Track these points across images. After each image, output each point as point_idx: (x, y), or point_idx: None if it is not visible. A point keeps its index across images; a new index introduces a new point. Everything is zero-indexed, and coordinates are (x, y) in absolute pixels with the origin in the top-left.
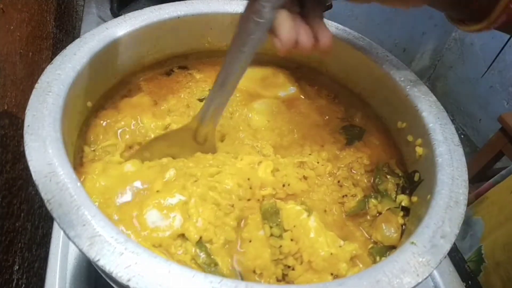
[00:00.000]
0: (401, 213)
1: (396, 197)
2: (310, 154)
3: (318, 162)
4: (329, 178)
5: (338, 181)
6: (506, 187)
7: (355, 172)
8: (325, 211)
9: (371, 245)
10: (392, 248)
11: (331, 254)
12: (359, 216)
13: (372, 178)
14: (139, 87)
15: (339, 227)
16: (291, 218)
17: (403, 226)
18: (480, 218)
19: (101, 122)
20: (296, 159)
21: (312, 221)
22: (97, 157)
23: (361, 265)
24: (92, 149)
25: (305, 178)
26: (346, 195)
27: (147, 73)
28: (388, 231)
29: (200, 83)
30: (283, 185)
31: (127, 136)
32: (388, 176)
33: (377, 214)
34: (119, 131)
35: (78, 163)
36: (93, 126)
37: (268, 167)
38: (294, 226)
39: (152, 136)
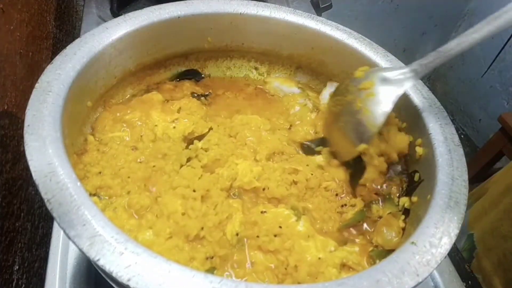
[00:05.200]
0: (402, 217)
1: (398, 201)
2: (307, 165)
3: (312, 174)
4: (325, 191)
5: (336, 194)
6: (496, 178)
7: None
8: (325, 214)
9: (371, 248)
10: (393, 252)
11: (319, 258)
12: (360, 225)
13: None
14: (153, 87)
15: (339, 230)
16: (278, 222)
17: (404, 230)
18: (468, 210)
19: (110, 114)
20: (289, 165)
21: (300, 225)
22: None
23: (354, 271)
24: (97, 139)
25: (295, 182)
26: (345, 205)
27: (150, 74)
28: (389, 235)
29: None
30: (263, 189)
31: (134, 129)
32: (393, 180)
33: (378, 218)
34: (126, 124)
35: (78, 151)
36: (101, 118)
37: (250, 172)
38: (280, 227)
39: (158, 128)
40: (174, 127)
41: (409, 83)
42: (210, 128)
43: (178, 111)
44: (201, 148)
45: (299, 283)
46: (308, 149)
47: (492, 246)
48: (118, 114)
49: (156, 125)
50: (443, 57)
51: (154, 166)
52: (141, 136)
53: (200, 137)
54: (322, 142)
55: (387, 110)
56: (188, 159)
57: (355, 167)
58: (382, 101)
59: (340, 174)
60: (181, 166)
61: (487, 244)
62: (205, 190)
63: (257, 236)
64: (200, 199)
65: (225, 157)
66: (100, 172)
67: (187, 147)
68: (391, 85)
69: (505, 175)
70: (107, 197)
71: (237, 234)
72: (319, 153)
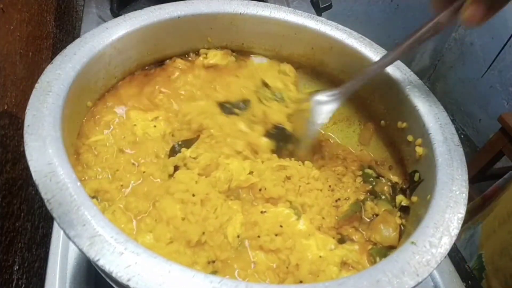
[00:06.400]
0: (398, 213)
1: (392, 198)
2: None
3: (300, 165)
4: (317, 181)
5: (329, 186)
6: (505, 195)
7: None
8: (322, 213)
9: (370, 246)
10: (391, 248)
11: (320, 257)
12: (357, 219)
13: (361, 181)
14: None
15: (337, 230)
16: (278, 221)
17: (401, 226)
18: (480, 225)
19: (92, 116)
20: (276, 162)
21: (301, 224)
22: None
23: (354, 270)
24: (84, 144)
25: (288, 178)
26: (339, 199)
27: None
28: (387, 231)
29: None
30: (260, 189)
31: (114, 130)
32: (381, 178)
33: (374, 216)
34: (106, 125)
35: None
36: (86, 121)
37: (243, 170)
38: (281, 226)
39: (139, 129)
40: (155, 126)
41: (337, 103)
42: (198, 135)
43: (157, 107)
44: (190, 156)
45: (300, 281)
46: (227, 109)
47: (500, 267)
48: (97, 117)
49: (135, 125)
50: (364, 78)
51: (144, 172)
52: (124, 137)
53: (186, 143)
54: (243, 104)
55: (318, 128)
56: (176, 167)
57: (278, 137)
58: (315, 120)
59: (262, 142)
60: (169, 175)
61: (495, 264)
62: (205, 194)
63: (258, 236)
64: (200, 203)
65: (215, 160)
66: (96, 176)
67: (171, 151)
68: (324, 105)
69: None
70: (105, 201)
71: (238, 236)
72: (237, 114)
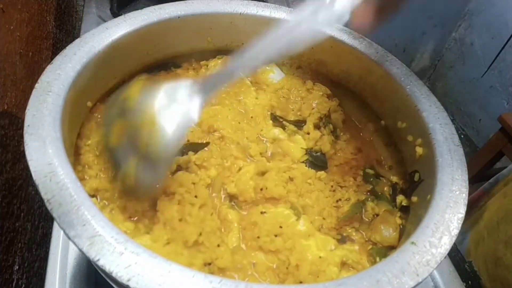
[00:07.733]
0: (399, 214)
1: (392, 198)
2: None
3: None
4: (320, 182)
5: (331, 186)
6: (492, 202)
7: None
8: (322, 214)
9: (370, 246)
10: (391, 248)
11: (320, 257)
12: (357, 220)
13: (362, 181)
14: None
15: (337, 231)
16: (278, 222)
17: (401, 226)
18: (468, 233)
19: (94, 116)
20: (284, 163)
21: (301, 225)
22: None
23: (354, 270)
24: (86, 144)
25: (291, 179)
26: (340, 199)
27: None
28: (387, 231)
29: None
30: (261, 189)
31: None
32: (382, 178)
33: (375, 216)
34: None
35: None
36: (87, 121)
37: (247, 172)
38: (281, 227)
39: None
40: None
41: (198, 100)
42: (208, 142)
43: None
44: (194, 162)
45: (300, 282)
46: (279, 122)
47: (497, 277)
48: (99, 118)
49: None
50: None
51: None
52: None
53: (194, 146)
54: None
55: (180, 142)
56: (179, 168)
57: (316, 159)
58: (172, 132)
59: (302, 142)
60: (171, 173)
61: (491, 274)
62: (204, 199)
63: (258, 237)
64: (198, 205)
65: (221, 175)
66: (96, 175)
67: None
68: (178, 104)
69: (502, 200)
70: (104, 200)
71: (236, 242)
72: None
